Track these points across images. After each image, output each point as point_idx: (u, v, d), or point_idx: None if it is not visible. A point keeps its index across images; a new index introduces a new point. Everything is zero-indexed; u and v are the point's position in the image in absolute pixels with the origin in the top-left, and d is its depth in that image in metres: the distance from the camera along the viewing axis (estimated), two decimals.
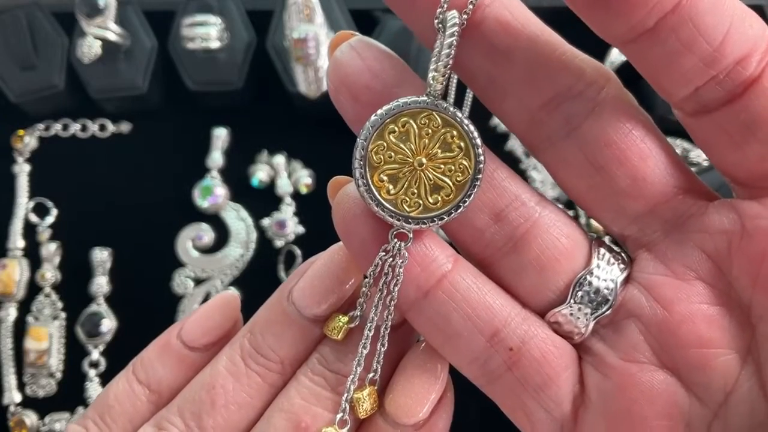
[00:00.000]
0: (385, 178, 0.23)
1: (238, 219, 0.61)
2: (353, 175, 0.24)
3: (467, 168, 0.23)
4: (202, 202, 0.60)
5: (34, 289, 0.59)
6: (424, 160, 0.23)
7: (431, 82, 0.23)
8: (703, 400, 0.23)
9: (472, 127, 0.23)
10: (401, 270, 0.24)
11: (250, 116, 0.63)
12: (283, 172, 0.61)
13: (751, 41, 0.20)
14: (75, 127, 0.63)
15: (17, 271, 0.58)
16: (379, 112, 0.23)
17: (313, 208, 0.61)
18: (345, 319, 0.27)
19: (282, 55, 0.59)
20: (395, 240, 0.24)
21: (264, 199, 0.61)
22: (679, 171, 0.23)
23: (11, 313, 0.58)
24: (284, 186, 0.61)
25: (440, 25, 0.22)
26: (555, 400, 0.24)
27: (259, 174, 0.61)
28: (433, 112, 0.23)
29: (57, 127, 0.63)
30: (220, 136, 0.62)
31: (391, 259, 0.24)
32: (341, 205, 0.25)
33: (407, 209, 0.23)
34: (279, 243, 0.60)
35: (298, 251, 0.60)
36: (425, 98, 0.23)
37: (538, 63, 0.22)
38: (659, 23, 0.19)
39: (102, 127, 0.63)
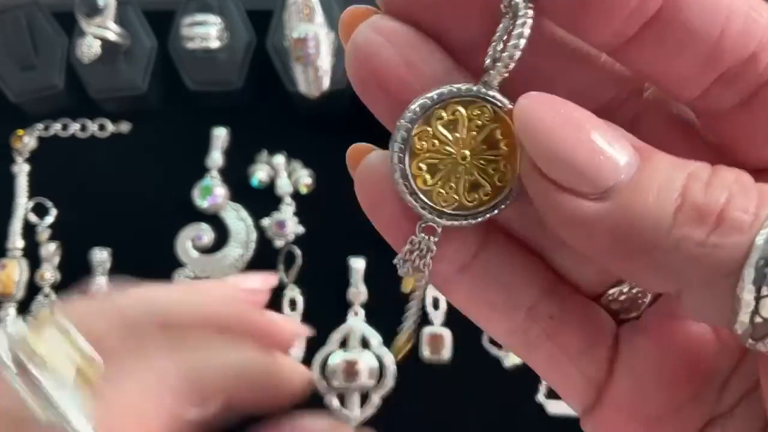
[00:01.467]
0: (423, 167, 0.21)
1: (237, 219, 0.61)
2: (390, 159, 0.21)
3: (509, 172, 0.21)
4: (202, 202, 0.60)
5: (33, 289, 0.59)
6: (467, 153, 0.21)
7: (491, 72, 0.20)
8: (729, 347, 0.23)
9: None
10: (430, 262, 0.22)
11: (250, 116, 0.63)
12: (282, 172, 0.61)
13: (758, 36, 0.19)
14: (74, 127, 0.63)
15: (17, 271, 0.58)
16: (429, 95, 0.20)
17: (313, 208, 0.60)
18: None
19: (282, 54, 0.59)
20: (423, 234, 0.22)
21: (264, 199, 0.61)
22: (705, 153, 0.22)
23: (11, 313, 0.58)
24: (284, 186, 0.61)
25: (507, 9, 0.20)
26: (594, 363, 0.24)
27: (259, 174, 0.61)
28: (487, 105, 0.21)
29: (56, 127, 0.63)
30: (220, 135, 0.62)
31: (418, 251, 0.22)
32: (365, 181, 0.22)
33: (442, 203, 0.22)
34: (279, 243, 0.60)
35: (298, 251, 0.60)
36: (482, 88, 0.21)
37: (581, 77, 0.21)
38: (643, 29, 0.19)
39: (101, 127, 0.63)
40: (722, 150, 0.22)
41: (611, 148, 0.18)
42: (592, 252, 0.20)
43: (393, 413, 0.56)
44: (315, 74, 0.56)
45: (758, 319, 0.17)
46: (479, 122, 0.21)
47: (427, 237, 0.22)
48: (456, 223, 0.22)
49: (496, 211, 0.22)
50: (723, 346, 0.24)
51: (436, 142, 0.21)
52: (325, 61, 0.57)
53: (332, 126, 0.61)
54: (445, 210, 0.22)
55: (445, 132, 0.21)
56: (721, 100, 0.20)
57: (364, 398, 0.56)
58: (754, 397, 0.23)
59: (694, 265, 0.18)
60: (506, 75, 0.20)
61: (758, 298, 0.17)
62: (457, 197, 0.22)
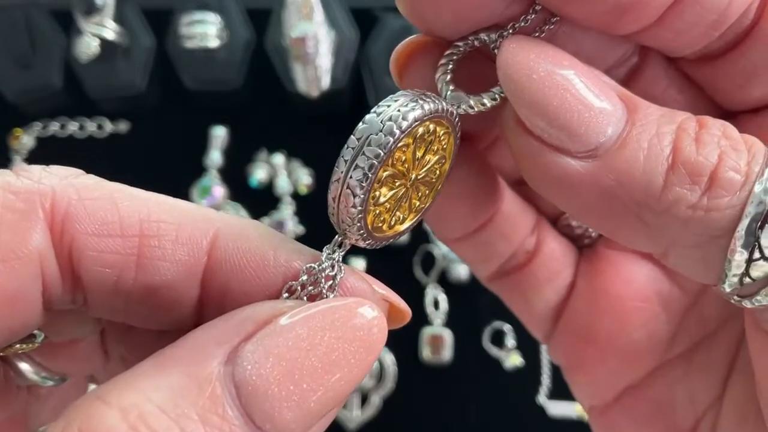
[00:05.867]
0: (387, 177, 0.19)
1: None
2: (355, 156, 0.18)
3: (426, 197, 0.21)
4: (201, 202, 0.59)
5: None
6: (413, 176, 0.20)
7: (471, 103, 0.20)
8: (683, 288, 0.25)
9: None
10: (336, 286, 0.20)
11: (249, 115, 0.63)
12: (282, 172, 0.61)
13: None
14: (72, 127, 0.62)
15: None
16: (424, 105, 0.18)
17: (313, 208, 0.60)
18: None
19: (281, 53, 0.58)
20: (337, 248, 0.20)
21: (263, 199, 0.61)
22: (692, 94, 0.23)
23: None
24: (283, 186, 0.61)
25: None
26: (554, 290, 0.26)
27: (259, 173, 0.61)
28: (452, 133, 0.20)
29: (54, 127, 0.62)
30: (219, 135, 0.61)
31: (330, 269, 0.19)
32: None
33: (377, 224, 0.20)
34: None
35: None
36: (456, 113, 0.20)
37: (589, 41, 0.21)
38: (666, 13, 0.19)
39: (100, 127, 0.63)
40: (708, 91, 0.22)
41: (600, 102, 0.18)
42: (577, 211, 0.19)
43: (393, 414, 0.56)
44: (314, 73, 0.56)
45: (747, 280, 0.17)
46: (436, 147, 0.20)
47: (337, 251, 0.20)
48: (362, 243, 0.20)
49: (404, 230, 0.21)
50: (675, 284, 0.25)
51: (404, 158, 0.19)
52: (324, 60, 0.56)
53: (332, 125, 0.61)
54: (368, 230, 0.20)
55: (417, 152, 0.20)
56: (711, 51, 0.20)
57: (364, 399, 0.56)
58: (714, 344, 0.24)
59: (684, 228, 0.17)
60: (482, 110, 0.20)
61: (749, 261, 0.17)
62: (389, 218, 0.20)
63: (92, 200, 0.19)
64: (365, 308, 0.17)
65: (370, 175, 0.18)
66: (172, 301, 0.19)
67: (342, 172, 0.19)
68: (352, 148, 0.18)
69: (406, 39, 0.21)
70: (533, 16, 0.19)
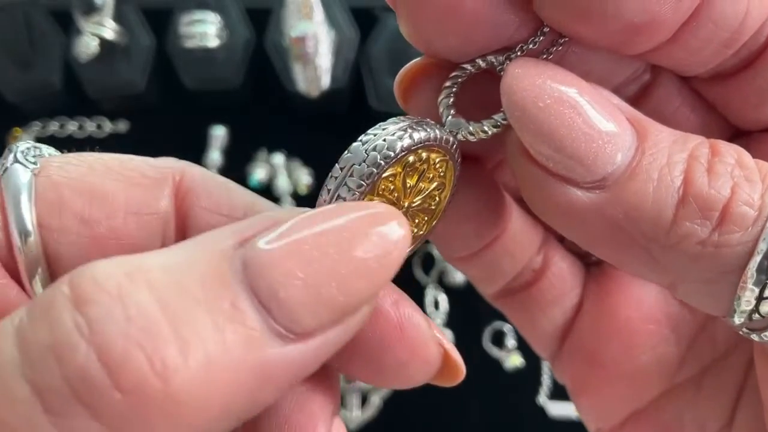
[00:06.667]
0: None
1: None
2: (338, 187, 0.18)
3: (422, 225, 0.20)
4: None
5: None
6: (405, 204, 0.20)
7: (471, 130, 0.19)
8: (693, 310, 0.24)
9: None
10: None
11: (249, 115, 0.63)
12: (282, 172, 0.61)
13: (767, 9, 0.18)
14: (72, 126, 0.62)
15: None
16: (413, 135, 0.18)
17: (313, 208, 0.60)
18: None
19: (281, 53, 0.58)
20: None
21: None
22: (705, 113, 0.22)
23: None
24: (283, 186, 0.60)
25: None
26: (561, 311, 0.25)
27: (258, 173, 0.60)
28: (449, 161, 0.20)
29: (54, 126, 0.62)
30: (219, 135, 0.61)
31: None
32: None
33: None
34: None
35: None
36: (454, 142, 0.19)
37: (597, 60, 0.20)
38: (679, 31, 0.18)
39: (99, 126, 0.63)
40: (721, 110, 0.21)
41: (609, 129, 0.17)
42: (582, 240, 0.19)
43: (393, 414, 0.56)
44: (314, 73, 0.56)
45: (756, 317, 0.17)
46: (432, 174, 0.19)
47: None
48: None
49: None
50: (685, 307, 0.24)
51: (392, 187, 0.19)
52: (324, 60, 0.56)
53: (332, 125, 0.61)
54: None
55: (408, 180, 0.19)
56: (724, 69, 0.20)
57: (364, 399, 0.56)
58: (723, 368, 0.23)
59: (693, 263, 0.17)
60: (481, 137, 0.19)
61: (759, 298, 0.17)
62: None
63: (213, 181, 0.21)
64: (393, 225, 0.16)
65: None
66: None
67: (325, 201, 0.18)
68: (335, 178, 0.18)
69: (410, 62, 0.20)
70: (541, 38, 0.18)
